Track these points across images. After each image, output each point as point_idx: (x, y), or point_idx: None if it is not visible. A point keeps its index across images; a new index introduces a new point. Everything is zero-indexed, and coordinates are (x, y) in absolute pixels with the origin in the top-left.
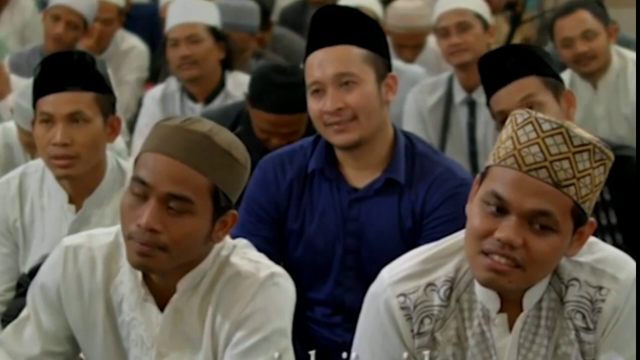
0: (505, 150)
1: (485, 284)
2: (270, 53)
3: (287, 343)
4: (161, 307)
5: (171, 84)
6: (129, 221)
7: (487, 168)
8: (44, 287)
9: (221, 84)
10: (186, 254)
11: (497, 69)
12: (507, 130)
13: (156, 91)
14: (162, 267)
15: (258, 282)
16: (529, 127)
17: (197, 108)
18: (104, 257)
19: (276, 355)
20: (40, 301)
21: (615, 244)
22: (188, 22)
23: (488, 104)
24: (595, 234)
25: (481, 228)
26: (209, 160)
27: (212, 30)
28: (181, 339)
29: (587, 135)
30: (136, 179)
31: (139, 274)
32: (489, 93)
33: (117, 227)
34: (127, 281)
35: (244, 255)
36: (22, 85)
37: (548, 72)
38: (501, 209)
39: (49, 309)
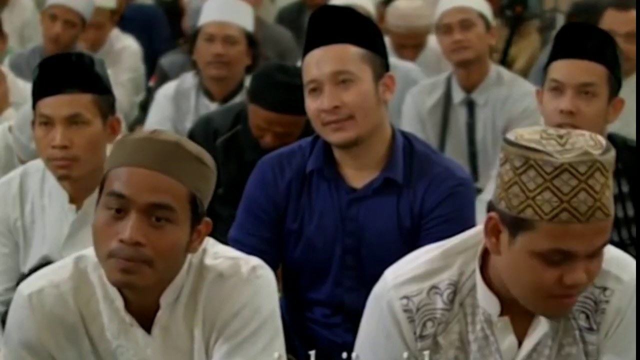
0: (551, 204)
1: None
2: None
3: (276, 326)
4: (145, 328)
5: (186, 81)
6: (107, 239)
7: (524, 220)
8: (28, 345)
9: (240, 85)
10: (169, 267)
11: (577, 40)
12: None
13: (169, 88)
14: (146, 282)
15: (242, 278)
16: (537, 177)
17: (213, 107)
18: (72, 290)
19: (276, 355)
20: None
21: (631, 236)
22: (227, 21)
23: (546, 67)
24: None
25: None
26: (184, 168)
27: (247, 35)
28: (174, 354)
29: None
30: (112, 194)
31: (119, 301)
32: (555, 57)
33: (70, 258)
34: (104, 310)
35: (216, 255)
36: (24, 88)
37: (617, 72)
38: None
39: None
